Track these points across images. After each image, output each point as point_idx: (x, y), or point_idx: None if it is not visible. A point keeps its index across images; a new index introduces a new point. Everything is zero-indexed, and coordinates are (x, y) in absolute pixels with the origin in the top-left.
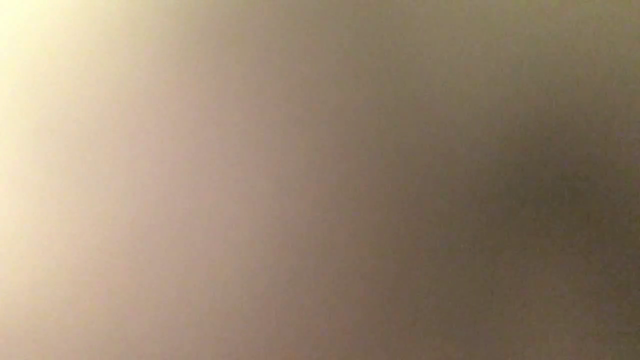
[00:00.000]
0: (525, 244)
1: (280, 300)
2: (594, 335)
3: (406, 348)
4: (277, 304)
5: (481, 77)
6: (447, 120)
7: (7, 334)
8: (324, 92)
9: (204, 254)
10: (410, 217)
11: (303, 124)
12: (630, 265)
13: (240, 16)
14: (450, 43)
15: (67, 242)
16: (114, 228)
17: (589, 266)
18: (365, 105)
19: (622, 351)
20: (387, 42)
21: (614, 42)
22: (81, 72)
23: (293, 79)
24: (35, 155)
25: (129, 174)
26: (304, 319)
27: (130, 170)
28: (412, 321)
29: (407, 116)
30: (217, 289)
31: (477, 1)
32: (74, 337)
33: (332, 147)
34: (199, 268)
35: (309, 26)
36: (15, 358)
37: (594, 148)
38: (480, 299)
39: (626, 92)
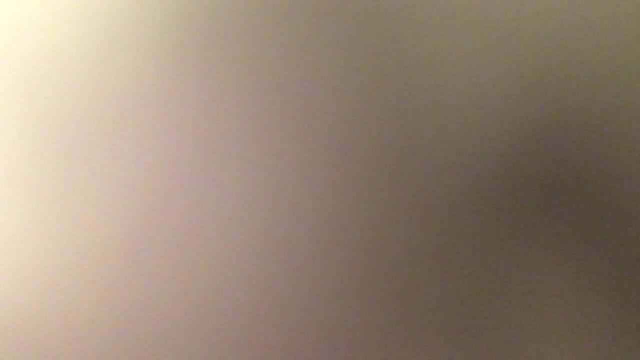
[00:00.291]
0: (525, 244)
1: (280, 300)
2: (593, 334)
3: (406, 348)
4: (277, 303)
5: (483, 77)
6: (449, 120)
7: (7, 334)
8: (325, 91)
9: (204, 254)
10: (410, 216)
11: (303, 123)
12: (630, 264)
13: (240, 16)
14: (452, 43)
15: (67, 242)
16: (113, 228)
17: (589, 266)
18: (367, 104)
19: (622, 351)
20: (389, 41)
21: (619, 42)
22: (81, 72)
23: (294, 78)
24: (35, 155)
25: (129, 174)
26: (303, 319)
27: (130, 169)
28: (412, 321)
29: (408, 116)
30: (218, 289)
31: (482, 1)
32: (74, 337)
33: (333, 147)
34: (199, 268)
35: (309, 26)
36: (15, 358)
37: (595, 148)
38: (480, 299)
39: (630, 93)
